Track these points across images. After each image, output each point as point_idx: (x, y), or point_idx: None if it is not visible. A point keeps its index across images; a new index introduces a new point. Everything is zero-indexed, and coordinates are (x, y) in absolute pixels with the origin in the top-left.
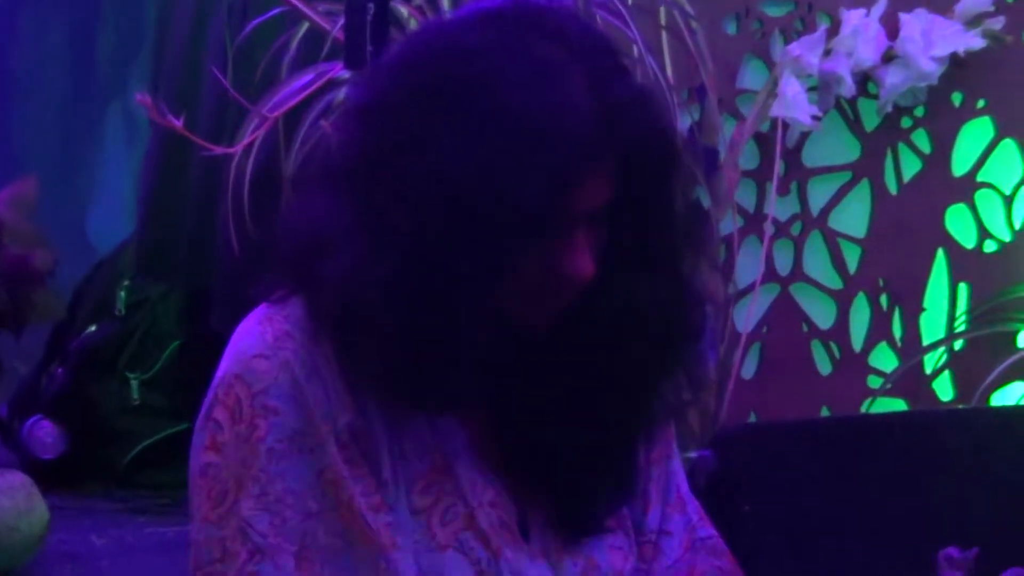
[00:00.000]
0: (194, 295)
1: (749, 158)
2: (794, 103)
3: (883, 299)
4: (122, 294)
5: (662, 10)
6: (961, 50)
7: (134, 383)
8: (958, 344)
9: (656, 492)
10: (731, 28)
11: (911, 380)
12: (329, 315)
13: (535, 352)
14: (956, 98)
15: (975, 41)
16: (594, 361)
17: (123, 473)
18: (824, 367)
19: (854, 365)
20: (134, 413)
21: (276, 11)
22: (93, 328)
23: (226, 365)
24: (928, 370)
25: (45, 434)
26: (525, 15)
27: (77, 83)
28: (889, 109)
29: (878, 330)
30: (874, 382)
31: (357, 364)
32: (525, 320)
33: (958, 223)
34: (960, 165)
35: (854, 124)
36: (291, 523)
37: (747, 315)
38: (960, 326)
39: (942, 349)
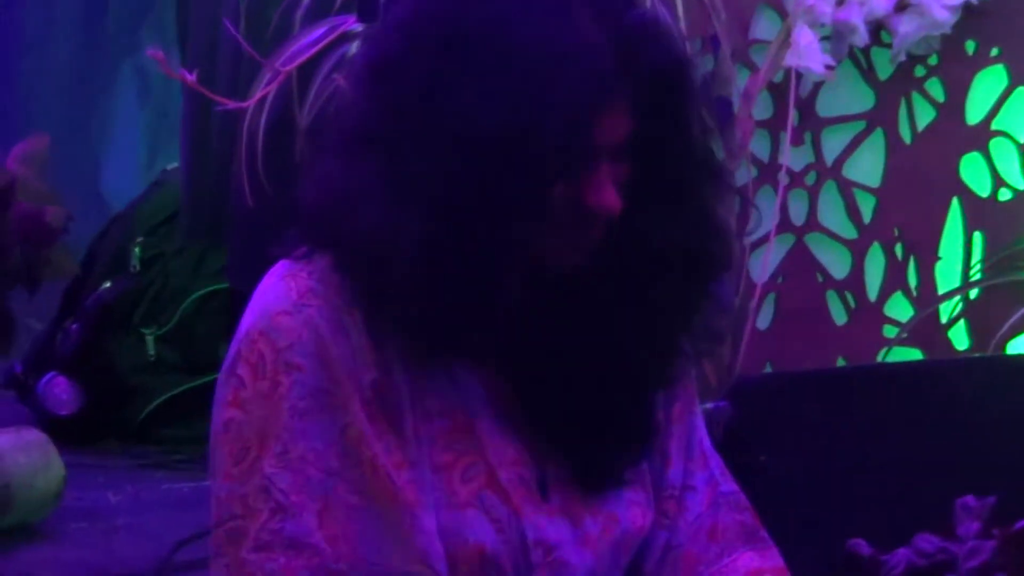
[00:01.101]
0: (207, 250)
1: (763, 108)
2: (807, 53)
3: (898, 249)
4: (136, 250)
5: None
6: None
7: (149, 339)
8: (973, 293)
9: (678, 448)
10: None
11: (927, 329)
12: (360, 268)
13: (560, 299)
14: (970, 46)
15: None
16: (620, 303)
17: (139, 429)
18: (839, 317)
19: (869, 315)
20: (149, 369)
21: None
22: (108, 284)
23: (250, 321)
24: (944, 319)
25: (60, 391)
26: None
27: (89, 40)
28: (903, 58)
29: (893, 280)
30: (890, 332)
31: (388, 316)
32: (556, 261)
33: (973, 172)
34: (974, 114)
35: (868, 73)
36: (313, 481)
37: (762, 265)
38: (975, 275)
39: (958, 298)
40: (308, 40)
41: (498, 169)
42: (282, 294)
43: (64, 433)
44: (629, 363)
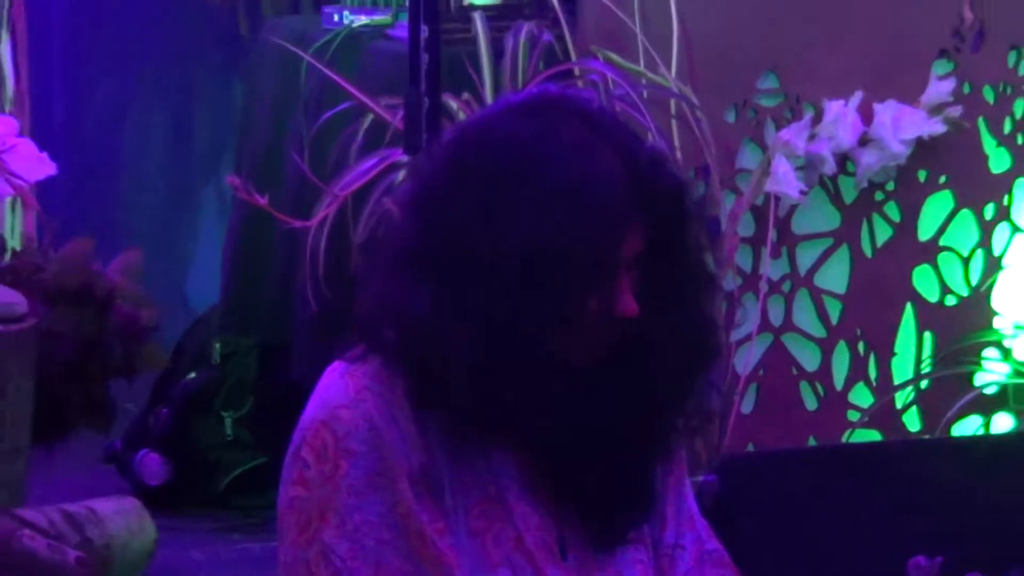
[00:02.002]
0: (272, 348)
1: (746, 226)
2: (784, 180)
3: (860, 346)
4: (217, 346)
5: (672, 102)
6: (925, 134)
7: (228, 421)
8: (924, 383)
9: (672, 511)
10: (730, 117)
11: (885, 414)
12: (411, 371)
13: (579, 388)
14: (921, 175)
15: (937, 127)
16: (629, 389)
17: (219, 497)
18: (811, 404)
19: (836, 402)
20: (228, 446)
21: (345, 105)
22: (192, 375)
23: (312, 412)
24: (899, 405)
25: (153, 465)
26: (551, 103)
27: (176, 167)
28: (865, 184)
29: (856, 372)
30: (853, 416)
31: (436, 411)
32: (580, 358)
33: (924, 281)
34: (925, 232)
35: (835, 197)
36: (367, 549)
37: (745, 360)
38: (925, 368)
39: (910, 388)
40: (362, 169)
41: (538, 287)
42: (341, 390)
43: (155, 501)
44: (636, 440)
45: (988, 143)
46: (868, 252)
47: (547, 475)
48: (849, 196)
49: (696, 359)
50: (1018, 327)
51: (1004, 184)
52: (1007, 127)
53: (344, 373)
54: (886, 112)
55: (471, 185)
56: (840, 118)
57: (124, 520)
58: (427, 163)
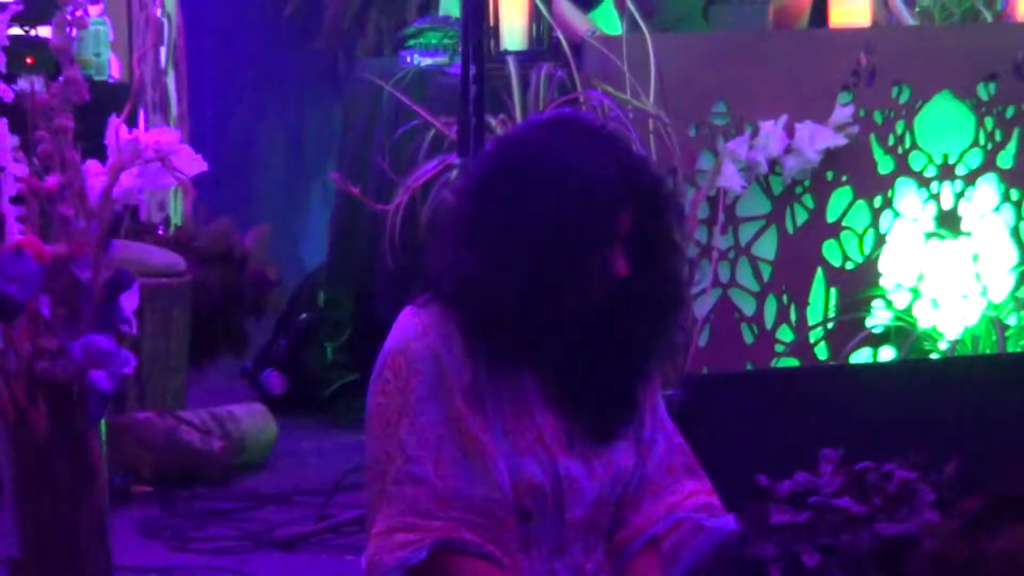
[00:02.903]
0: (362, 295)
1: (703, 211)
2: (730, 178)
3: (784, 298)
4: (322, 294)
5: (650, 121)
6: (832, 146)
7: (329, 348)
8: (830, 325)
9: (648, 415)
10: (692, 132)
11: (802, 347)
12: (466, 312)
13: (586, 325)
14: (829, 175)
15: (841, 140)
16: (621, 326)
17: (322, 404)
18: (748, 339)
19: (766, 338)
20: (329, 367)
21: (415, 122)
22: (304, 316)
23: (391, 343)
24: (812, 340)
25: (274, 380)
26: (568, 122)
27: (293, 165)
28: (788, 181)
29: (781, 316)
30: (779, 348)
31: (484, 341)
32: (587, 301)
33: (830, 251)
34: (831, 216)
35: (767, 190)
36: (430, 442)
37: (701, 307)
38: (831, 314)
39: (820, 328)
40: (426, 168)
41: (556, 251)
42: (412, 327)
43: (276, 406)
44: (623, 364)
45: (877, 152)
46: (790, 230)
47: (560, 389)
48: (777, 189)
49: (667, 306)
50: (898, 286)
51: (888, 182)
52: (891, 141)
53: (414, 315)
54: (804, 130)
55: (508, 178)
56: (771, 134)
57: (253, 419)
58: (475, 164)
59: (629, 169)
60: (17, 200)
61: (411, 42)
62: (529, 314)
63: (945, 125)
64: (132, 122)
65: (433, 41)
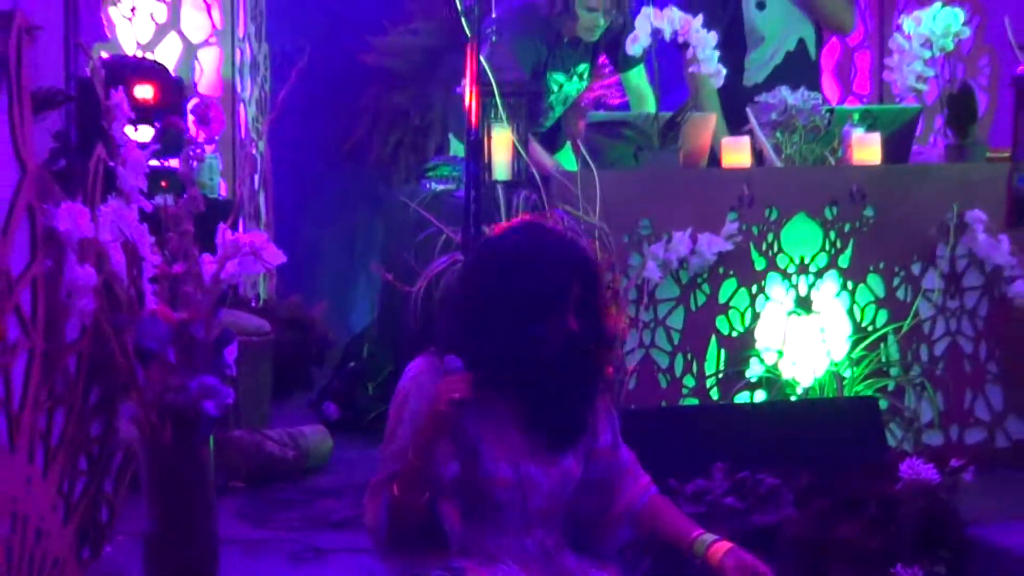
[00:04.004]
0: (397, 349)
1: (632, 294)
2: (652, 271)
3: (689, 355)
4: (365, 348)
5: (596, 231)
6: (723, 250)
7: (369, 387)
8: (720, 375)
9: (610, 429)
10: (626, 238)
11: (701, 391)
12: (465, 359)
13: (546, 366)
14: (720, 270)
15: (729, 246)
16: (572, 366)
17: (364, 426)
18: (663, 384)
19: (675, 384)
20: (369, 400)
21: (431, 229)
22: (352, 364)
23: (403, 380)
24: (708, 386)
25: (331, 409)
26: (529, 224)
27: (345, 259)
28: (692, 274)
29: (686, 368)
30: (685, 391)
31: (477, 379)
32: (547, 349)
33: (721, 324)
34: (722, 298)
35: (677, 280)
36: (400, 452)
37: (631, 361)
38: (721, 367)
39: (713, 378)
40: (439, 262)
41: (525, 315)
42: (418, 369)
43: (332, 427)
44: (575, 393)
45: (754, 254)
46: (693, 308)
47: (525, 413)
48: (684, 279)
49: (604, 350)
50: (767, 348)
51: (762, 275)
52: (764, 247)
53: (423, 361)
54: (703, 239)
55: (491, 268)
56: (680, 241)
57: (316, 436)
58: (467, 257)
59: (574, 255)
60: (153, 280)
61: (429, 173)
62: (504, 361)
63: (802, 236)
64: (234, 227)
65: (445, 173)
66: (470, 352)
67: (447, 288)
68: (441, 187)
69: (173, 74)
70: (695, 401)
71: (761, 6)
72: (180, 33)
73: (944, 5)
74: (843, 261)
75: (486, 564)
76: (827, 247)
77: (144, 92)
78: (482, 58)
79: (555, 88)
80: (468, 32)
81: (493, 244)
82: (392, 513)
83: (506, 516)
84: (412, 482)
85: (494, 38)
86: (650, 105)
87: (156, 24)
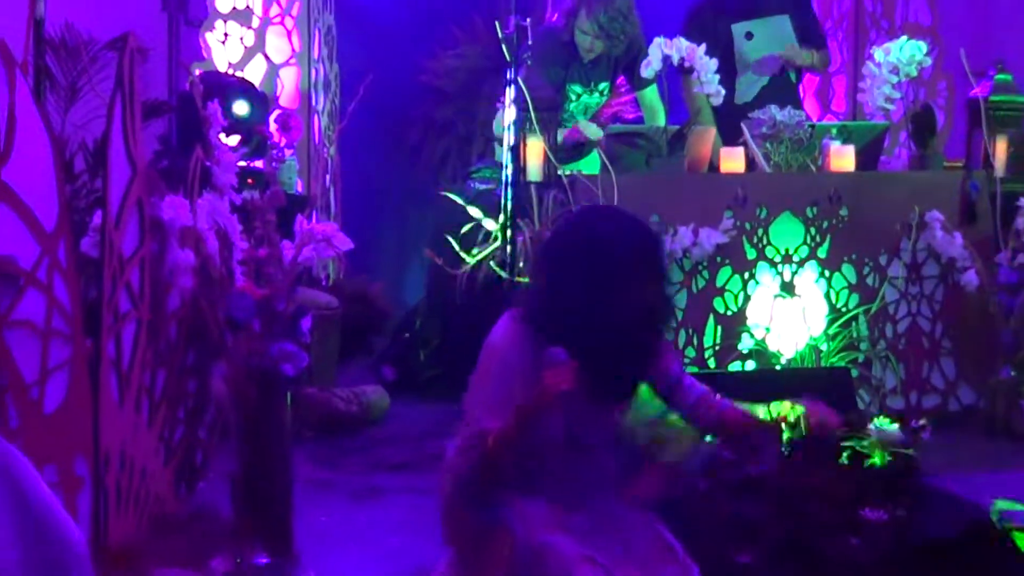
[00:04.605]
0: (446, 322)
1: None
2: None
3: (691, 331)
4: (418, 322)
5: None
6: (720, 242)
7: (422, 353)
8: (717, 347)
9: (677, 362)
10: None
11: (700, 360)
12: (541, 323)
13: (618, 332)
14: (718, 259)
15: (725, 239)
16: (636, 332)
17: (418, 387)
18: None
19: (679, 356)
20: (422, 364)
21: (475, 222)
22: (407, 334)
23: (492, 340)
24: (706, 356)
25: (388, 372)
26: (613, 213)
27: (403, 246)
28: (694, 262)
29: (688, 341)
30: (687, 361)
31: (552, 341)
32: (620, 317)
33: (718, 304)
34: (719, 283)
35: (682, 267)
36: (503, 397)
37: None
38: (717, 340)
39: (711, 350)
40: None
41: (606, 288)
42: (505, 329)
43: (389, 387)
44: (641, 352)
45: (747, 246)
46: (695, 291)
47: (602, 373)
48: (687, 267)
49: (665, 316)
50: (757, 325)
51: (753, 264)
52: (755, 240)
53: (507, 323)
54: (704, 232)
55: (569, 249)
56: (684, 234)
57: (376, 395)
58: (555, 232)
59: (649, 236)
60: (241, 262)
61: (474, 175)
62: (583, 329)
63: (787, 231)
64: (309, 218)
65: (487, 175)
66: (559, 323)
67: (537, 261)
68: (483, 187)
69: (259, 89)
70: (695, 369)
71: (749, 36)
72: (265, 55)
73: (909, 38)
74: (821, 252)
75: (557, 520)
76: (808, 241)
77: (240, 108)
78: (519, 79)
79: (573, 98)
80: (508, 56)
81: (570, 226)
82: (483, 465)
83: (577, 475)
84: (507, 442)
85: (529, 62)
86: (660, 119)
87: (245, 47)
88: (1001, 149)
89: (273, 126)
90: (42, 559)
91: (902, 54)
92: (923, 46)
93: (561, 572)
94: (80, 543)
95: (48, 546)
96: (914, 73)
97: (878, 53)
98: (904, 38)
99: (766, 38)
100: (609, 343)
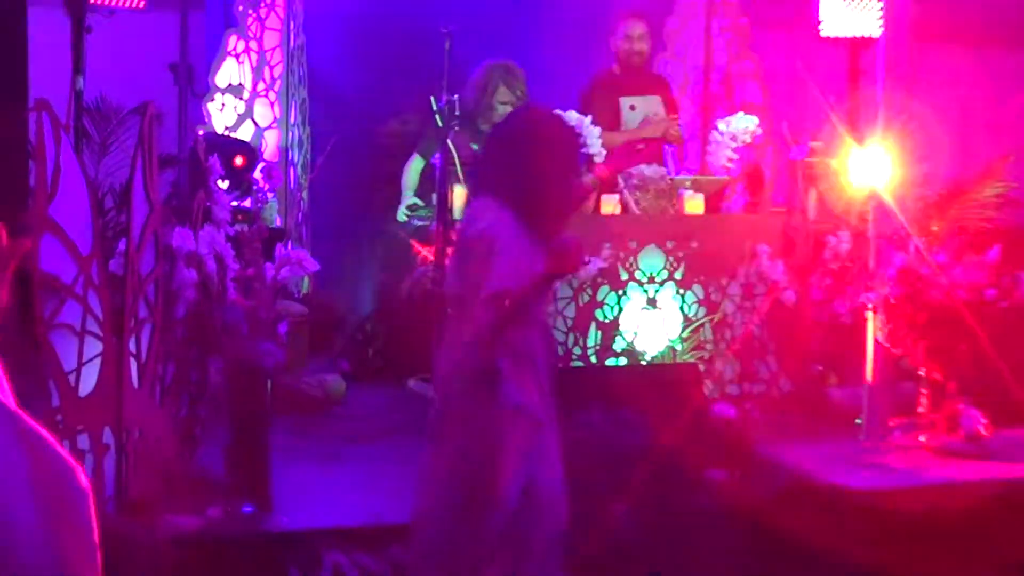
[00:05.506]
0: (392, 327)
1: None
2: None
3: (577, 335)
4: (368, 326)
5: None
6: (601, 267)
7: (369, 350)
8: (598, 347)
9: None
10: None
11: (584, 357)
12: (514, 199)
13: (563, 184)
14: (599, 280)
15: (604, 264)
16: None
17: (367, 376)
18: (561, 352)
19: (568, 354)
20: (369, 359)
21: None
22: (360, 336)
23: (483, 225)
24: (589, 355)
25: (343, 364)
26: (545, 109)
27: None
28: (579, 282)
29: (575, 343)
30: (574, 358)
31: (521, 211)
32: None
33: (599, 314)
34: (599, 298)
35: (570, 285)
36: (513, 268)
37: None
38: (598, 341)
39: (592, 350)
40: (416, 273)
41: (553, 168)
42: (493, 214)
43: (346, 377)
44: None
45: (621, 270)
46: (581, 303)
47: (547, 234)
48: (575, 285)
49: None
50: (627, 331)
51: (625, 284)
52: (627, 265)
53: (483, 205)
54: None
55: (521, 133)
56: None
57: (335, 382)
58: (501, 127)
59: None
60: (233, 280)
61: (414, 213)
62: (549, 200)
63: (651, 259)
64: (286, 246)
65: (423, 214)
66: (520, 198)
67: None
68: (420, 223)
69: (249, 146)
70: (581, 364)
71: (633, 108)
72: (253, 120)
73: (745, 114)
74: (678, 275)
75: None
76: (668, 266)
77: (238, 160)
78: (448, 141)
79: None
80: (440, 123)
81: (536, 119)
82: (499, 319)
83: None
84: (521, 302)
85: (456, 127)
86: None
87: (237, 114)
88: (812, 198)
89: (259, 175)
90: (49, 486)
91: (739, 125)
92: (755, 120)
93: (533, 433)
94: (82, 479)
95: (53, 476)
96: (748, 140)
97: (721, 124)
98: (741, 113)
99: (644, 110)
100: (557, 197)
